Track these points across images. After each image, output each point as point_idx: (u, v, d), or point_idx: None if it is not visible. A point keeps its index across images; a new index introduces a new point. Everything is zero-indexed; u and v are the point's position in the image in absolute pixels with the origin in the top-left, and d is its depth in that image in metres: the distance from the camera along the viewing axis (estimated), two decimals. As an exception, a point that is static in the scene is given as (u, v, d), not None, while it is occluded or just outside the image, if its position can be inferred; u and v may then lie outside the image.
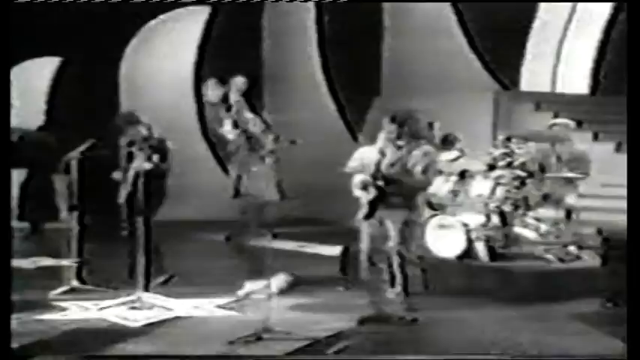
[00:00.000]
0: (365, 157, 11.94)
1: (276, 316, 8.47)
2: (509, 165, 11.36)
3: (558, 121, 12.09)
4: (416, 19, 16.61)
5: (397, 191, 8.71)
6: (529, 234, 11.05)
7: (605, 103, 15.57)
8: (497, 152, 11.72)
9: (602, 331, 8.52)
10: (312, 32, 17.10)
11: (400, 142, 8.81)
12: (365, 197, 8.87)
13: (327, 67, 16.96)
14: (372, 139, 12.08)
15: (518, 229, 11.00)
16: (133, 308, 9.16)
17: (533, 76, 16.52)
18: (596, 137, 14.28)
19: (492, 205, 10.88)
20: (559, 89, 16.75)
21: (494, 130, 14.67)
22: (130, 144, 10.18)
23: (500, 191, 10.90)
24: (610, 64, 16.39)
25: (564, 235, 10.85)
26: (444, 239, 10.71)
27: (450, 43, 16.18)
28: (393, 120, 8.90)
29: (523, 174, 11.19)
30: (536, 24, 16.48)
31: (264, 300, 8.57)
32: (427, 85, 15.58)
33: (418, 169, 8.69)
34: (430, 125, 13.42)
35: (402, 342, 8.16)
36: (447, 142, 11.97)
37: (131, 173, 10.11)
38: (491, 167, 11.45)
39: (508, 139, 11.94)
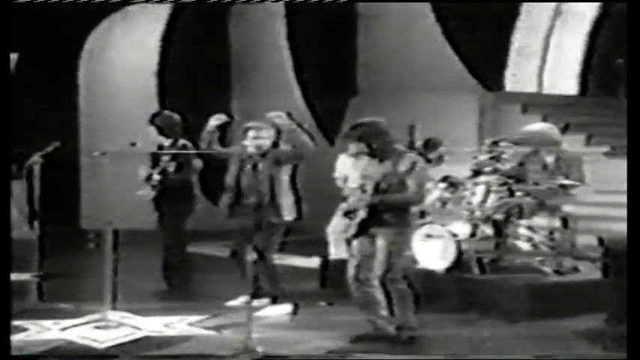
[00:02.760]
0: (343, 169, 11.36)
1: (256, 334, 7.80)
2: (496, 171, 10.69)
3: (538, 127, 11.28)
4: (393, 16, 16.01)
5: (389, 207, 7.97)
6: (521, 244, 10.39)
7: (597, 105, 15.04)
8: (482, 157, 11.09)
9: (607, 350, 7.96)
10: (282, 31, 16.47)
11: (376, 156, 8.05)
12: (353, 220, 8.13)
13: (300, 67, 16.33)
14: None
15: (510, 240, 10.33)
16: (98, 328, 8.43)
17: (518, 77, 15.99)
18: (588, 141, 13.69)
19: (483, 214, 10.19)
20: (546, 90, 16.24)
21: (479, 133, 14.06)
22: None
23: (492, 199, 10.21)
24: (599, 64, 15.93)
25: (559, 246, 10.18)
26: (431, 250, 10.01)
27: (430, 41, 15.61)
28: (352, 137, 8.13)
29: (510, 180, 10.51)
30: (521, 23, 15.96)
31: (245, 318, 7.86)
32: (406, 85, 14.99)
33: (410, 182, 7.95)
34: (411, 128, 12.86)
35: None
36: (429, 147, 11.33)
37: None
38: (477, 173, 10.80)
39: (495, 143, 11.34)
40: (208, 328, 8.60)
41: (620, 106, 15.67)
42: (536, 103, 14.80)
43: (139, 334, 8.33)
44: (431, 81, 14.91)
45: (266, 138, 9.36)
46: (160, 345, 8.02)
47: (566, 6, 16.14)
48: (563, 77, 16.23)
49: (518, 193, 10.28)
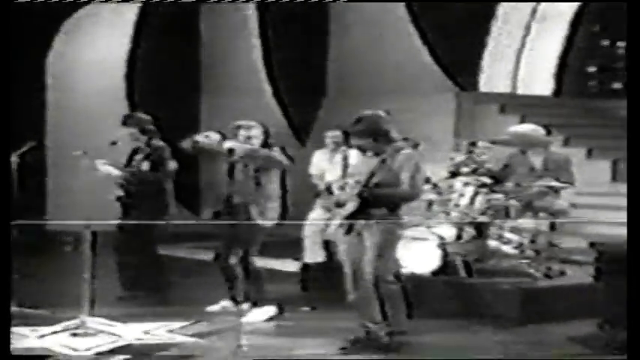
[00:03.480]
0: (320, 165, 11.04)
1: (244, 342, 7.47)
2: (473, 172, 10.45)
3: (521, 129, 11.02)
4: (364, 16, 15.75)
5: (380, 202, 7.65)
6: (504, 247, 10.13)
7: (574, 106, 14.89)
8: (459, 158, 10.86)
9: (605, 355, 7.77)
10: (253, 31, 16.15)
11: (375, 149, 7.72)
12: (340, 212, 7.79)
13: (271, 67, 16.03)
14: (321, 143, 11.25)
15: (493, 242, 10.06)
16: (76, 335, 8.03)
17: (492, 77, 15.80)
18: (566, 142, 13.50)
19: (470, 216, 9.91)
20: (520, 91, 16.07)
21: (456, 134, 13.83)
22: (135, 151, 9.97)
23: (479, 201, 9.94)
24: (574, 65, 15.80)
25: (546, 249, 9.95)
26: (417, 253, 9.71)
27: (404, 41, 15.36)
28: (356, 131, 7.79)
29: (489, 181, 10.26)
30: (497, 23, 15.78)
31: (234, 326, 7.53)
32: (380, 85, 14.73)
33: (405, 177, 7.64)
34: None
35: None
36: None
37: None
38: (454, 174, 10.55)
39: (472, 143, 11.12)
40: (191, 335, 8.21)
41: (597, 107, 15.67)
42: (514, 104, 14.63)
43: (119, 342, 7.93)
44: (405, 81, 14.68)
45: (257, 137, 9.02)
46: (143, 353, 7.66)
47: (542, 7, 15.99)
48: (538, 78, 16.09)
49: (498, 195, 10.02)
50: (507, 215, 9.97)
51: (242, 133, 9.01)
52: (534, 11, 15.96)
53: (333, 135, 11.10)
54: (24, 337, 7.98)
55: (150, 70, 15.54)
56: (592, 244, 9.54)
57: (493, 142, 10.64)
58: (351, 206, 7.65)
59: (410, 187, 7.65)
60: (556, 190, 9.86)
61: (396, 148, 7.72)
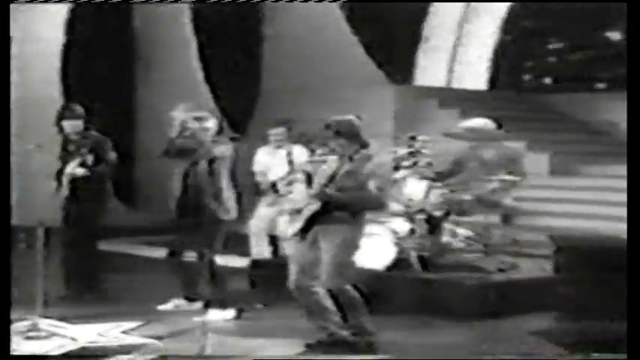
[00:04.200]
0: (265, 162, 10.82)
1: (201, 343, 7.15)
2: (414, 165, 10.35)
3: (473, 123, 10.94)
4: (296, 16, 15.59)
5: (343, 206, 7.43)
6: (455, 242, 10.05)
7: (511, 100, 14.93)
8: (401, 151, 10.74)
9: (571, 348, 7.62)
10: (188, 28, 15.89)
11: (342, 152, 7.50)
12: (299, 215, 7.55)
13: (206, 62, 15.79)
14: (262, 140, 11.06)
15: (445, 237, 9.97)
16: (29, 338, 7.66)
17: (427, 70, 15.78)
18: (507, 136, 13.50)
19: (422, 210, 9.80)
20: (455, 85, 16.10)
21: (396, 127, 13.72)
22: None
23: (434, 195, 9.84)
24: (508, 58, 15.88)
25: (498, 243, 9.90)
26: (370, 249, 9.52)
27: (336, 38, 15.21)
28: (327, 135, 7.58)
29: (431, 175, 10.18)
30: (431, 17, 15.77)
31: (196, 326, 7.27)
32: (316, 83, 14.60)
33: (372, 185, 7.45)
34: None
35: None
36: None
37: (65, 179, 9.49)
38: (395, 168, 10.44)
39: (412, 137, 11.02)
40: (148, 337, 7.86)
41: (533, 101, 15.77)
42: (453, 98, 14.59)
43: (74, 345, 7.60)
44: (342, 77, 14.54)
45: (212, 129, 8.77)
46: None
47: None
48: (473, 72, 16.13)
49: (443, 190, 9.95)
50: (461, 210, 9.90)
51: (196, 124, 8.75)
52: (468, 5, 16.00)
53: (276, 132, 10.90)
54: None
55: (84, 64, 15.21)
56: (552, 237, 9.50)
57: (446, 136, 10.57)
58: (312, 208, 7.44)
59: (376, 195, 7.44)
60: (506, 183, 9.87)
61: (366, 156, 7.51)
